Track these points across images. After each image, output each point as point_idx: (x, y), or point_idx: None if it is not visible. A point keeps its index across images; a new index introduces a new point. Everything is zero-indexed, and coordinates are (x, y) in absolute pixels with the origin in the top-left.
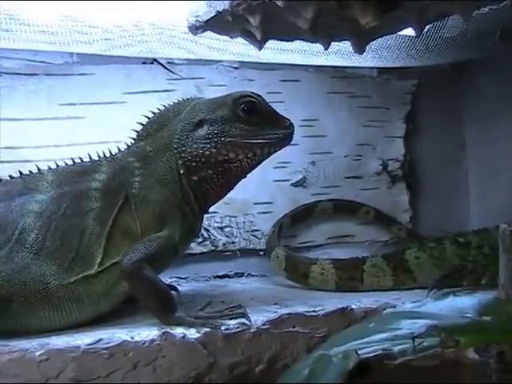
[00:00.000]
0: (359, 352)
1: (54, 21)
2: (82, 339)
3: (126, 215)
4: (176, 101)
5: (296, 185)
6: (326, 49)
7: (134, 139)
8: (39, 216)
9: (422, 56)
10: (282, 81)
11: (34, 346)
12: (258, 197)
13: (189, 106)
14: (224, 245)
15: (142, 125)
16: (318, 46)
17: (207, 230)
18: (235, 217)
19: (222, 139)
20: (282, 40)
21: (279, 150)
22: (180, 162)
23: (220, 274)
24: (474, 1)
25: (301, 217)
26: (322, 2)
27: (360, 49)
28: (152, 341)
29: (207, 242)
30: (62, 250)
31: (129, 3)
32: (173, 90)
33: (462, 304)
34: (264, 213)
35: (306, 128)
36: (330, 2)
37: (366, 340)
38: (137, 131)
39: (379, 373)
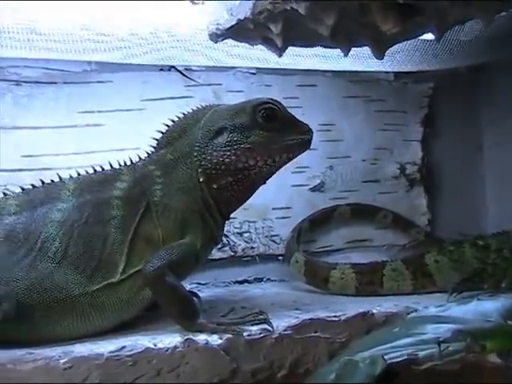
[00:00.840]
0: (385, 357)
1: (73, 30)
2: (106, 346)
3: (148, 223)
4: (195, 108)
5: (314, 189)
6: (346, 55)
7: (154, 147)
8: (61, 225)
9: (439, 59)
10: (299, 86)
11: (58, 353)
12: (276, 202)
13: (208, 114)
14: (243, 250)
15: (162, 133)
16: (336, 51)
17: (226, 236)
18: (254, 222)
19: (242, 146)
20: (301, 46)
21: (298, 155)
22: (200, 170)
23: (239, 279)
24: (495, 5)
25: (319, 221)
26: (343, 9)
27: (380, 54)
28: (175, 347)
29: (226, 248)
30: (85, 258)
31: (145, 10)
32: (190, 97)
33: (486, 308)
34: (282, 218)
35: (323, 133)
36: (352, 9)
37: (391, 345)
38: (157, 139)
39: (406, 378)
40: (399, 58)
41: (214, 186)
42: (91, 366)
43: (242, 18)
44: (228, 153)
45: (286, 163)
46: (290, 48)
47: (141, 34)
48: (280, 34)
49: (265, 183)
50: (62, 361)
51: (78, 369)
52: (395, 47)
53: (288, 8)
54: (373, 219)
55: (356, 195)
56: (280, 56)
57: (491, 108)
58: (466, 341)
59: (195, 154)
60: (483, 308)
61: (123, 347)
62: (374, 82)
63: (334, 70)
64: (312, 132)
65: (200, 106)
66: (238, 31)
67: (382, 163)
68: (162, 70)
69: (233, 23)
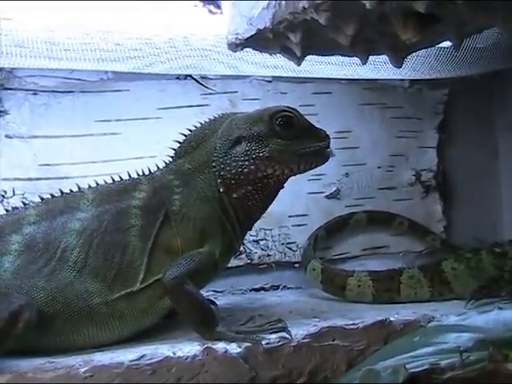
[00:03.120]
0: (407, 366)
1: (90, 40)
2: (126, 355)
3: (167, 232)
4: (212, 117)
5: (330, 197)
6: (364, 63)
7: (172, 157)
8: (81, 234)
9: (454, 66)
10: (315, 93)
11: (79, 362)
12: (292, 209)
13: (225, 123)
14: (259, 258)
15: (180, 142)
16: (352, 59)
17: (243, 244)
18: (270, 230)
19: (261, 155)
20: (320, 55)
21: (317, 166)
22: (219, 181)
23: (256, 286)
24: None
25: (335, 229)
26: (363, 19)
27: (398, 63)
28: (194, 356)
29: (243, 256)
30: (105, 267)
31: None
32: (207, 105)
33: (507, 317)
34: (299, 225)
35: (339, 140)
36: (371, 19)
37: (412, 354)
38: (174, 149)
39: None
40: (414, 65)
41: (234, 196)
42: (112, 374)
43: (261, 28)
44: (247, 162)
45: (305, 171)
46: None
47: (158, 44)
48: (299, 43)
49: (283, 187)
50: (82, 370)
51: (98, 378)
52: (411, 54)
53: (308, 18)
54: (389, 226)
55: (372, 202)
56: (299, 65)
57: (506, 114)
58: (489, 350)
59: (214, 164)
60: (504, 317)
61: (143, 356)
62: (390, 89)
63: (349, 77)
64: (329, 138)
65: (217, 115)
66: (257, 41)
67: (397, 170)
68: (178, 78)
69: (252, 33)
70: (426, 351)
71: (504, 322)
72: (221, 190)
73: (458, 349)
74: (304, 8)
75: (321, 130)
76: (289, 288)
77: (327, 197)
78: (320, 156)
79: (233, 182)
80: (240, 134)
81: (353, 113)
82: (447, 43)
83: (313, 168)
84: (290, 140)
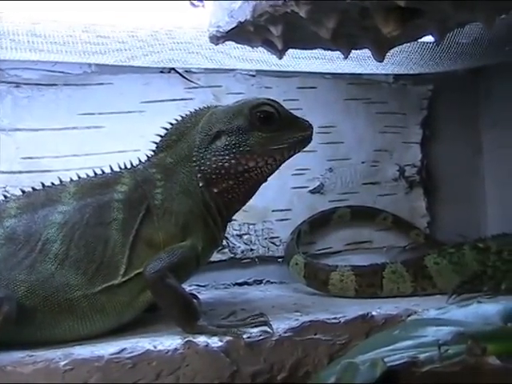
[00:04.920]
0: (385, 360)
1: (73, 32)
2: (106, 349)
3: (149, 226)
4: (193, 110)
5: (314, 191)
6: (346, 57)
7: (154, 151)
8: (62, 227)
9: (438, 62)
10: (299, 88)
11: (59, 356)
12: (276, 204)
13: (205, 117)
14: (243, 252)
15: (161, 136)
16: (336, 53)
17: (226, 238)
18: (254, 224)
19: (241, 149)
20: (302, 49)
21: (299, 151)
22: (199, 175)
23: (239, 281)
24: (497, 9)
25: (319, 223)
26: (344, 12)
27: (380, 57)
28: (175, 350)
29: (226, 250)
30: (86, 260)
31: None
32: (191, 99)
33: (487, 311)
34: (282, 220)
35: (323, 135)
36: (353, 12)
37: (391, 348)
38: (156, 143)
39: (406, 380)
40: (399, 61)
41: (215, 190)
42: (91, 368)
43: (242, 21)
44: (227, 157)
45: (287, 159)
46: (290, 50)
47: (141, 37)
48: (280, 36)
49: (266, 181)
50: (62, 363)
51: (78, 371)
52: (395, 49)
53: (289, 11)
54: (372, 221)
55: (356, 197)
56: (280, 58)
57: (491, 110)
58: (467, 343)
59: (194, 158)
60: (484, 310)
61: (123, 349)
62: (374, 85)
63: (333, 72)
64: (312, 127)
65: (198, 108)
66: (239, 33)
67: (381, 165)
68: (162, 72)
69: (233, 26)
70: (406, 345)
71: (483, 316)
72: (201, 185)
73: (436, 342)
74: (284, 1)
75: (303, 119)
76: (272, 282)
77: (311, 191)
78: (303, 144)
79: (213, 176)
80: (220, 128)
81: (337, 108)
82: (431, 38)
83: (296, 153)
84: (271, 132)
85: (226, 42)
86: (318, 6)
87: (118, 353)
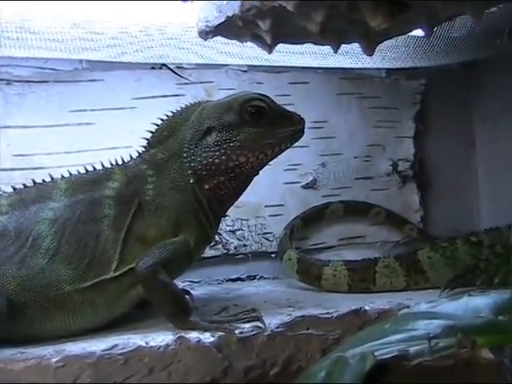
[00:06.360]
0: (376, 353)
1: (64, 29)
2: (98, 345)
3: (141, 222)
4: (184, 106)
5: (307, 187)
6: (336, 51)
7: (145, 147)
8: (53, 222)
9: (430, 56)
10: (291, 83)
11: (50, 352)
12: (269, 199)
13: (196, 112)
14: (236, 248)
15: (152, 132)
16: (327, 48)
17: (219, 234)
18: (247, 220)
19: (231, 145)
20: (291, 43)
21: (291, 145)
22: (190, 172)
23: (232, 277)
24: (485, 1)
25: (312, 219)
26: (332, 6)
27: (370, 51)
28: (167, 345)
29: (219, 246)
30: (77, 255)
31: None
32: (182, 95)
33: (477, 304)
34: (275, 215)
35: (315, 130)
36: (341, 6)
37: (381, 341)
38: (147, 139)
39: (396, 374)
40: (391, 55)
41: (206, 187)
42: (83, 364)
43: (230, 15)
44: (218, 153)
45: (278, 154)
46: (281, 45)
47: (131, 32)
48: (269, 30)
49: (258, 174)
50: (53, 359)
51: (69, 368)
52: (387, 44)
53: (276, 5)
54: (366, 216)
55: (349, 192)
56: (270, 53)
57: (483, 105)
58: (457, 336)
59: (185, 154)
60: (474, 304)
61: (115, 345)
62: (367, 79)
63: (326, 67)
64: (304, 121)
65: (189, 104)
66: (227, 28)
67: (374, 160)
68: (153, 68)
69: (222, 20)
70: (396, 338)
71: (473, 309)
72: (191, 182)
73: (427, 335)
74: None
75: (294, 113)
76: (265, 278)
77: (304, 187)
78: (294, 138)
79: (204, 173)
80: (210, 124)
81: (330, 103)
82: (421, 32)
83: (288, 147)
84: (262, 128)
85: (218, 38)
86: None
87: (110, 349)
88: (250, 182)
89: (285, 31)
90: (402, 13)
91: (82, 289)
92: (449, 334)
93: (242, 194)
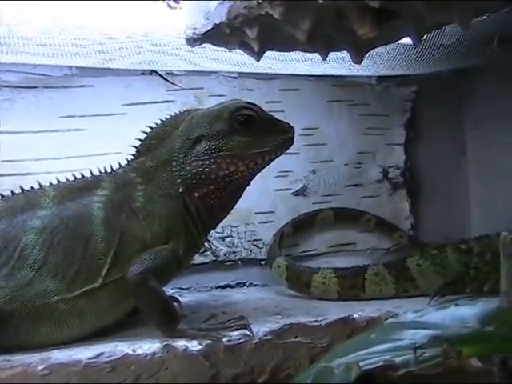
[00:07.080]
0: (361, 363)
1: (53, 34)
2: (84, 353)
3: (129, 229)
4: (173, 114)
5: (297, 194)
6: (324, 59)
7: (134, 155)
8: (41, 232)
9: (421, 63)
10: (282, 90)
11: (36, 360)
12: (258, 206)
13: (185, 121)
14: (225, 255)
15: (141, 140)
16: (317, 55)
17: (208, 241)
18: (236, 226)
19: (221, 154)
20: (280, 51)
21: (281, 154)
22: (179, 181)
23: (222, 284)
24: (472, 11)
25: (302, 226)
26: (319, 14)
27: (358, 59)
28: (154, 353)
29: (208, 253)
30: (65, 264)
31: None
32: (172, 101)
33: (464, 313)
34: (265, 222)
35: (306, 137)
36: (328, 14)
37: (367, 351)
38: (136, 147)
39: None
40: (381, 62)
41: (196, 195)
42: (69, 372)
43: (217, 23)
44: (207, 162)
45: (269, 163)
46: (271, 52)
47: (119, 38)
48: (256, 38)
49: (249, 184)
50: (39, 367)
51: (56, 375)
52: (377, 51)
53: (263, 13)
54: (356, 223)
55: (339, 199)
56: (258, 60)
57: (474, 111)
58: (443, 346)
59: (174, 163)
60: (461, 313)
61: (102, 353)
62: (357, 86)
63: (316, 74)
64: (293, 129)
65: (178, 112)
66: (215, 36)
67: (365, 167)
68: (143, 74)
69: (209, 28)
70: (382, 348)
71: (460, 319)
72: (180, 190)
73: (412, 345)
74: (258, 2)
75: (284, 122)
76: (255, 285)
77: (294, 194)
78: (284, 146)
79: (194, 181)
80: (200, 132)
81: (320, 110)
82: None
83: (278, 156)
84: (252, 136)
85: (207, 45)
86: (291, 7)
87: (96, 357)
88: (242, 193)
89: (273, 39)
90: (389, 21)
91: (68, 299)
92: (434, 344)
93: (234, 205)
